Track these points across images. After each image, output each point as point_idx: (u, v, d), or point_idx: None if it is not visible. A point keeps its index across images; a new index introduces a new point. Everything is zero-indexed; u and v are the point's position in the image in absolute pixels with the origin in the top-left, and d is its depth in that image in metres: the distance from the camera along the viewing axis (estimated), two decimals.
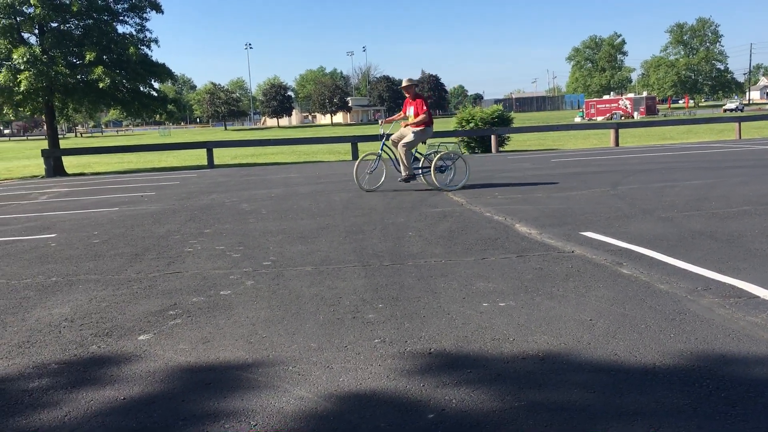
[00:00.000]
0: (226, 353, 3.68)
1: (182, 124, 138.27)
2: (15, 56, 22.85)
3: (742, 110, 75.61)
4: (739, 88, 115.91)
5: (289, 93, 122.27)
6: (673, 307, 4.17)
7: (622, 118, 75.46)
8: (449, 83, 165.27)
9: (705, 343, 3.55)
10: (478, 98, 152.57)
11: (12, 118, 30.55)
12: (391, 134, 11.63)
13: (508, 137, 27.76)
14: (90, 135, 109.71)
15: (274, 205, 10.21)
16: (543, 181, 12.02)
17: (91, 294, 5.11)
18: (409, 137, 11.26)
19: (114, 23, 26.31)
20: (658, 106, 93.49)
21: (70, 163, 30.52)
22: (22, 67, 22.76)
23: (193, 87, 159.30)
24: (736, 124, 26.64)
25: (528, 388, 3.06)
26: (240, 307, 4.59)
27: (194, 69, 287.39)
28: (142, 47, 26.25)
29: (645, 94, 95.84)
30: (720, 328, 3.77)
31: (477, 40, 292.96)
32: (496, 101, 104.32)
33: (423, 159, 11.58)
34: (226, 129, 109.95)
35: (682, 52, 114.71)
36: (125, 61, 24.90)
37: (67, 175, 24.68)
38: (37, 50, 23.41)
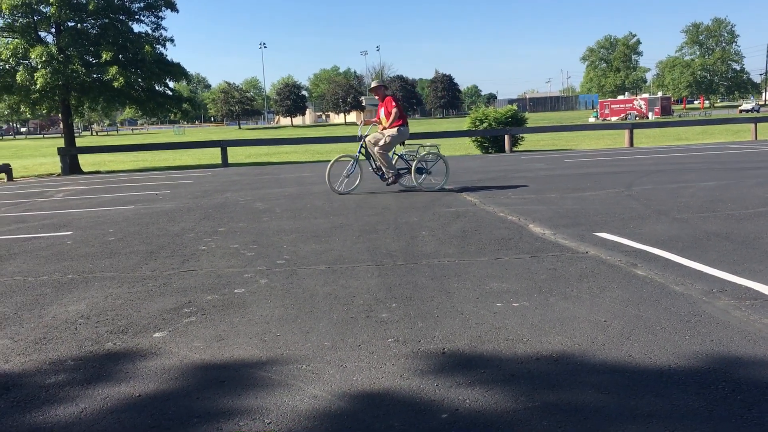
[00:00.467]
0: (241, 351, 3.70)
1: (197, 123, 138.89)
2: (32, 55, 23.04)
3: (758, 111, 74.99)
4: (756, 89, 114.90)
5: (303, 92, 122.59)
6: (688, 309, 4.15)
7: (637, 118, 75.04)
8: (463, 83, 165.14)
9: (720, 345, 3.53)
10: (491, 98, 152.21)
11: (29, 116, 30.82)
12: (368, 136, 11.41)
13: (522, 137, 27.69)
14: (105, 133, 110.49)
15: (287, 204, 10.24)
16: (557, 182, 11.97)
17: (107, 291, 5.15)
18: (385, 140, 11.11)
19: (130, 22, 26.47)
20: (673, 107, 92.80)
21: (85, 161, 30.74)
22: (39, 66, 22.95)
23: (208, 86, 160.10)
24: (752, 124, 26.43)
25: (542, 389, 3.05)
26: (254, 305, 4.61)
27: (209, 68, 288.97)
28: (157, 46, 26.40)
29: (660, 94, 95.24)
30: (736, 330, 3.74)
31: (491, 39, 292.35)
32: (510, 101, 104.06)
33: (398, 159, 11.46)
34: (240, 128, 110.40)
35: (698, 52, 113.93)
36: (141, 60, 25.04)
37: (83, 173, 24.87)
38: (54, 49, 23.59)
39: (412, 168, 11.27)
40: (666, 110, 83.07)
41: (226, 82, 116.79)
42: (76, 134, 35.31)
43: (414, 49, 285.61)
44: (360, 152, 11.47)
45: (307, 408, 2.95)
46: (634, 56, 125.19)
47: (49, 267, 6.17)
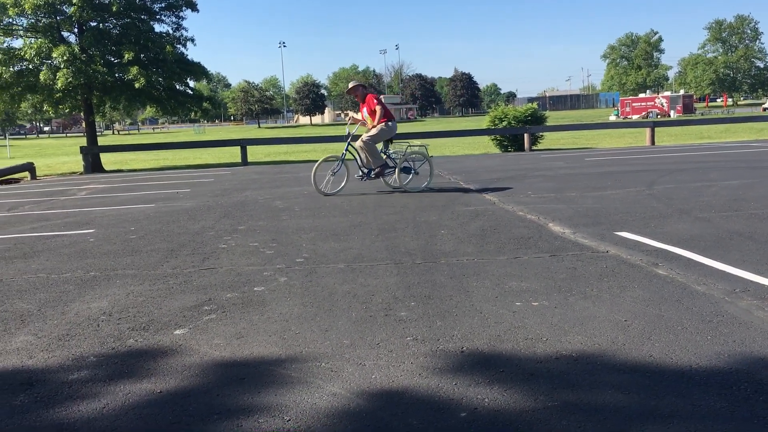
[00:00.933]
0: (260, 349, 3.73)
1: (216, 121, 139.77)
2: (55, 55, 23.31)
3: None
4: None
5: (322, 91, 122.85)
6: (710, 309, 4.11)
7: (659, 116, 74.31)
8: (482, 81, 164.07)
9: (743, 345, 3.49)
10: (511, 96, 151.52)
11: (52, 115, 31.21)
12: (357, 135, 11.22)
13: (542, 136, 27.54)
14: (127, 132, 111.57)
15: (306, 203, 10.27)
16: (577, 180, 11.90)
17: (129, 289, 5.21)
18: (372, 132, 10.94)
19: (151, 22, 26.71)
20: (696, 105, 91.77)
21: (107, 159, 31.05)
22: (62, 66, 23.22)
23: (228, 85, 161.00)
24: None
25: (561, 389, 3.04)
26: (273, 303, 4.63)
27: (229, 67, 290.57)
28: (178, 46, 26.61)
29: (682, 92, 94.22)
30: (758, 330, 3.70)
31: (511, 37, 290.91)
32: (530, 99, 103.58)
33: (386, 158, 11.22)
34: (259, 127, 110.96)
35: (721, 50, 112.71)
36: (162, 60, 25.26)
37: (104, 171, 25.13)
38: (76, 49, 23.85)
39: (397, 167, 11.08)
40: (688, 108, 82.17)
41: (246, 81, 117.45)
42: (98, 133, 35.68)
43: (433, 48, 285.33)
44: (346, 151, 11.24)
45: (326, 406, 2.96)
46: (655, 54, 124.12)
47: (72, 264, 6.25)
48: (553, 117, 45.69)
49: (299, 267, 5.72)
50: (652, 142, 25.11)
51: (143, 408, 3.02)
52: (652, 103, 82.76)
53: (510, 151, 25.78)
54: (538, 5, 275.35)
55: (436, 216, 8.26)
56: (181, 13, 27.42)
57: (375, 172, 11.01)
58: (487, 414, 2.82)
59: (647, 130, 26.00)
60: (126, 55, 23.78)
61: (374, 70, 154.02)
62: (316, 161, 11.60)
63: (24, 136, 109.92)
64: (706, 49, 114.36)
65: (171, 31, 27.38)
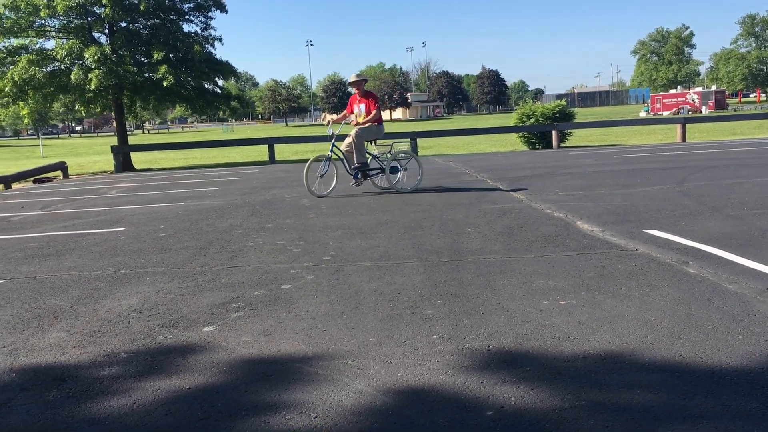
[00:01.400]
0: (287, 346, 3.75)
1: (244, 120, 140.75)
2: (86, 55, 23.67)
3: None
4: None
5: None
6: (742, 308, 4.04)
7: (690, 112, 73.20)
8: (509, 78, 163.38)
9: None
10: (539, 93, 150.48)
11: (83, 115, 31.68)
12: (341, 135, 11.09)
13: (570, 133, 27.31)
14: (156, 131, 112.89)
15: (333, 201, 10.30)
16: (606, 178, 11.78)
17: (158, 286, 5.27)
18: (363, 127, 10.82)
19: (180, 22, 26.99)
20: (728, 101, 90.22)
21: (137, 158, 31.46)
22: (93, 66, 23.57)
23: (256, 84, 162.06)
24: None
25: (589, 388, 3.02)
26: (300, 301, 4.66)
27: (257, 66, 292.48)
28: (206, 45, 26.87)
29: (714, 87, 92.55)
30: None
31: (538, 34, 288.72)
32: (558, 96, 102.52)
33: (371, 159, 11.07)
34: (287, 125, 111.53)
35: (754, 44, 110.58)
36: (190, 60, 25.52)
37: (135, 170, 25.47)
38: (107, 49, 24.19)
39: (386, 167, 10.93)
40: (720, 104, 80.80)
41: (274, 80, 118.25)
42: (128, 132, 36.15)
43: (460, 45, 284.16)
44: (332, 152, 10.98)
45: (353, 403, 2.98)
46: (687, 49, 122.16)
47: (103, 262, 6.35)
48: (581, 114, 45.25)
49: (326, 265, 5.74)
50: (683, 139, 24.75)
51: (172, 404, 3.06)
52: (683, 99, 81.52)
53: (538, 149, 25.61)
54: (567, 1, 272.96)
55: (463, 214, 8.24)
56: (209, 14, 27.69)
57: (354, 167, 10.86)
58: (513, 413, 2.81)
59: (678, 127, 25.63)
60: (155, 55, 24.07)
61: (401, 68, 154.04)
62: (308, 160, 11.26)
63: (56, 136, 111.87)
64: (738, 43, 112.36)
65: (199, 31, 27.67)
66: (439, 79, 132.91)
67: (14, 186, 19.76)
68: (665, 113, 75.24)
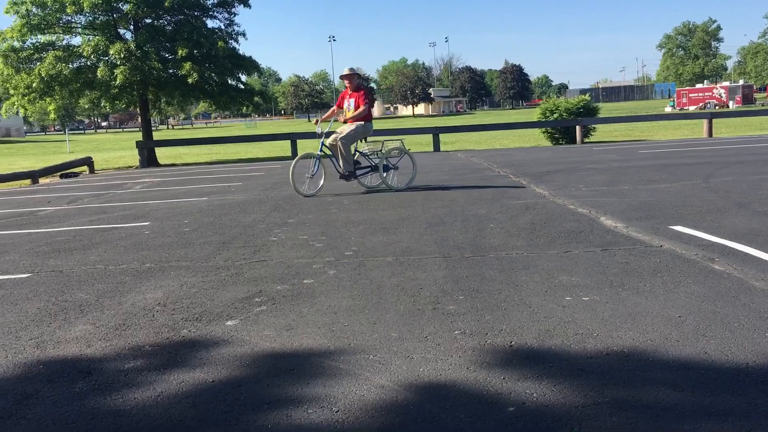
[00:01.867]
0: (309, 340, 3.77)
1: (267, 116, 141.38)
2: (111, 52, 23.90)
3: None
4: None
5: (371, 84, 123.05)
6: None
7: (717, 107, 72.16)
8: (533, 73, 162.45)
9: None
10: (562, 88, 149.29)
11: (109, 110, 32.02)
12: (330, 132, 10.78)
13: (594, 128, 27.06)
14: (181, 127, 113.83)
15: (355, 196, 10.32)
16: (630, 173, 11.66)
17: (182, 280, 5.32)
18: (349, 129, 10.49)
19: (204, 18, 27.14)
20: (756, 95, 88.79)
21: (162, 154, 31.73)
22: (118, 62, 23.79)
23: (278, 79, 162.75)
24: None
25: (612, 385, 3.00)
26: (322, 295, 4.68)
27: (279, 62, 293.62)
28: (230, 41, 26.98)
29: (741, 82, 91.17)
30: None
31: (562, 28, 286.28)
32: (582, 91, 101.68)
33: (360, 157, 10.78)
34: (309, 120, 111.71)
35: None
36: (214, 55, 25.65)
37: (159, 165, 25.69)
38: (132, 45, 24.41)
39: (379, 166, 10.72)
40: (748, 99, 79.56)
41: (296, 76, 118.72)
42: (153, 128, 36.50)
43: (483, 40, 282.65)
44: (322, 150, 10.71)
45: (374, 398, 2.99)
46: (713, 43, 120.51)
47: (128, 256, 6.42)
48: (606, 109, 44.84)
49: (348, 260, 5.76)
50: (710, 134, 24.42)
51: (196, 396, 3.09)
52: (710, 93, 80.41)
53: (561, 144, 25.42)
54: None
55: (485, 209, 8.21)
56: (233, 9, 27.79)
57: (342, 176, 10.61)
58: (535, 409, 2.80)
59: (704, 122, 25.30)
60: (180, 51, 24.22)
61: (423, 63, 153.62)
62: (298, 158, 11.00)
63: (83, 132, 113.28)
64: (767, 37, 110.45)
65: (223, 27, 27.79)
66: (461, 74, 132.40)
67: (42, 181, 20.05)
68: (691, 108, 74.29)
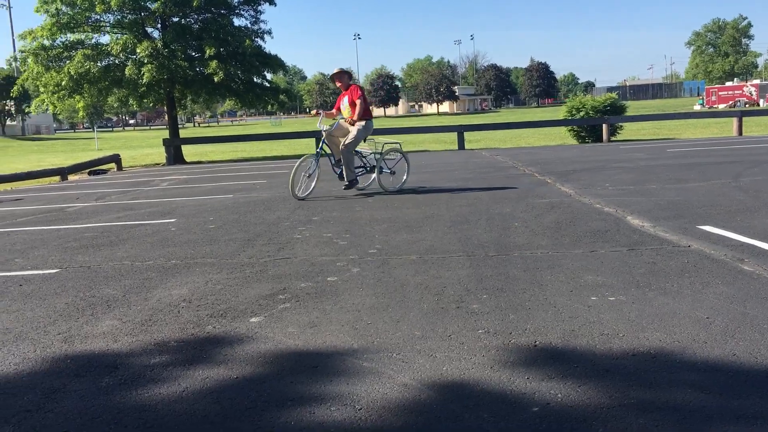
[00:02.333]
0: (333, 338, 3.78)
1: (292, 113, 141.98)
2: (139, 50, 24.15)
3: None
4: None
5: (396, 83, 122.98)
6: None
7: (747, 105, 70.98)
8: (559, 71, 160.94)
9: None
10: (589, 86, 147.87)
11: (136, 108, 32.37)
12: (330, 129, 10.41)
13: (621, 126, 26.78)
14: (207, 125, 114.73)
15: (380, 194, 10.32)
16: (658, 172, 11.52)
17: (207, 277, 5.36)
18: (351, 136, 10.11)
19: (230, 16, 27.31)
20: None
21: (188, 151, 32.01)
22: (146, 61, 24.03)
23: (304, 77, 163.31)
24: None
25: (638, 386, 2.96)
26: (346, 293, 4.68)
27: (305, 60, 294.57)
28: (256, 39, 27.12)
29: None
30: None
31: (589, 25, 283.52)
32: (609, 89, 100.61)
33: (356, 156, 10.47)
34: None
35: None
36: (240, 54, 25.80)
37: (185, 163, 25.92)
38: (159, 44, 24.65)
39: (376, 167, 10.45)
40: None
41: (321, 74, 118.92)
42: (179, 126, 36.82)
43: (509, 37, 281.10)
44: (321, 149, 10.43)
45: (397, 396, 2.98)
46: (744, 40, 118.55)
47: (155, 252, 6.48)
48: (633, 107, 44.32)
49: (372, 258, 5.76)
50: (740, 133, 24.04)
51: (220, 393, 3.11)
52: (740, 91, 79.12)
53: (587, 142, 25.19)
54: None
55: (510, 208, 8.16)
56: (259, 7, 27.94)
57: (345, 186, 10.34)
58: (560, 409, 2.77)
59: (734, 120, 24.92)
60: (207, 50, 24.41)
61: (448, 61, 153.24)
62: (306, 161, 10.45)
63: (111, 129, 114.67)
64: None
65: (249, 25, 27.94)
66: (487, 72, 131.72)
67: (70, 178, 20.34)
68: (721, 106, 73.16)
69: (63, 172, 20.23)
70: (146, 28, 26.45)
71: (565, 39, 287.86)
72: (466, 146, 24.92)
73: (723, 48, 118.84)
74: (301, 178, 10.24)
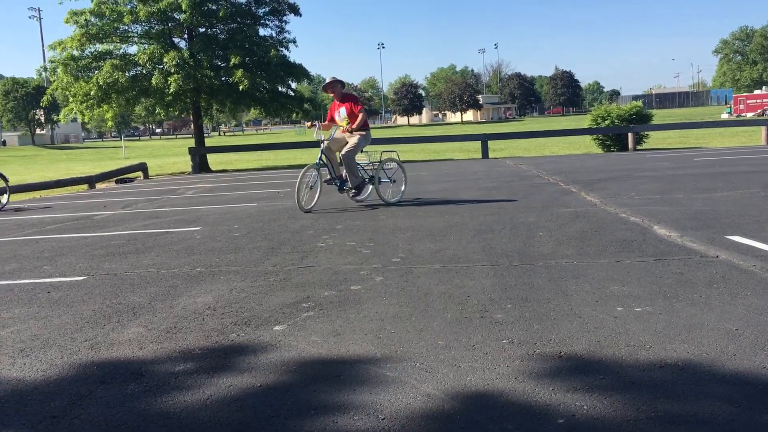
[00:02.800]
0: (356, 347, 3.77)
1: (316, 122, 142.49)
2: (166, 60, 24.45)
3: None
4: None
5: (420, 91, 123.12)
6: None
7: None
8: (584, 79, 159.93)
9: None
10: (614, 94, 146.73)
11: (163, 117, 32.73)
12: (329, 141, 10.06)
13: (647, 135, 26.52)
14: (232, 134, 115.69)
15: (402, 204, 10.31)
16: (684, 181, 11.38)
17: (232, 284, 5.39)
18: (352, 143, 9.87)
19: (256, 26, 27.56)
20: None
21: (213, 160, 32.29)
22: (172, 71, 24.32)
23: None
24: None
25: (665, 399, 2.91)
26: (369, 302, 4.68)
27: (329, 69, 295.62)
28: (281, 49, 27.33)
29: None
30: None
31: (615, 33, 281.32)
32: (635, 97, 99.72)
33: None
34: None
35: None
36: (266, 63, 26.01)
37: (211, 171, 26.15)
38: (186, 54, 24.93)
39: (375, 178, 10.18)
40: None
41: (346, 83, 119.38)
42: (205, 135, 37.16)
43: (533, 46, 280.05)
44: (320, 160, 9.98)
45: (421, 406, 2.96)
46: None
47: (180, 260, 6.54)
48: (659, 115, 43.88)
49: (395, 267, 5.75)
50: None
51: (244, 401, 3.12)
52: None
53: (613, 151, 24.99)
54: None
55: (534, 217, 8.11)
56: (284, 18, 28.17)
57: (353, 192, 10.16)
58: (585, 421, 2.74)
59: (763, 129, 24.57)
60: (232, 60, 24.63)
61: (472, 70, 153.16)
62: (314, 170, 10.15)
63: (138, 138, 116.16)
64: None
65: (274, 35, 28.17)
66: (511, 80, 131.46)
67: (98, 186, 20.62)
68: (749, 115, 72.17)
69: (91, 181, 20.53)
70: (173, 39, 26.79)
71: (590, 47, 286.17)
72: (490, 155, 24.85)
73: (751, 56, 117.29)
74: (306, 191, 9.99)
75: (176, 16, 25.85)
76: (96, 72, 25.51)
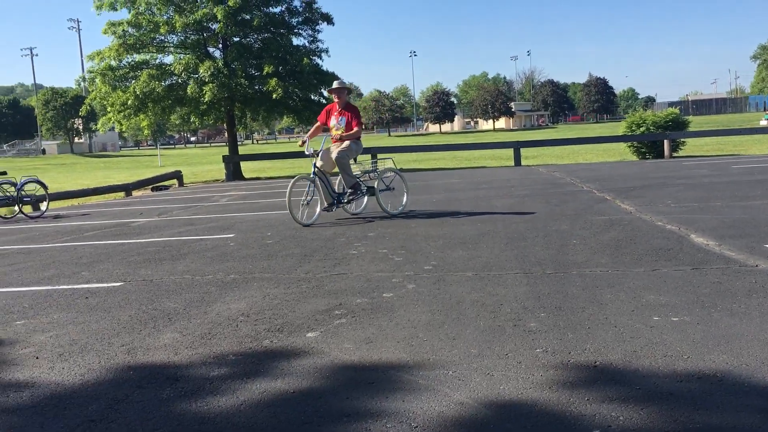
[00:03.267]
0: (388, 354, 3.77)
1: None
2: (201, 70, 24.82)
3: None
4: None
5: (452, 99, 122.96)
6: None
7: None
8: (618, 86, 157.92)
9: None
10: (649, 101, 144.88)
11: (197, 126, 33.19)
12: (321, 151, 9.73)
13: (683, 142, 26.13)
14: (265, 141, 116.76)
15: (434, 210, 10.30)
16: (722, 189, 11.18)
17: (265, 291, 5.43)
18: (345, 146, 9.63)
19: (290, 36, 27.85)
20: None
21: (247, 167, 32.62)
22: (207, 80, 24.67)
23: (360, 94, 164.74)
24: None
25: (703, 410, 2.86)
26: (401, 309, 4.68)
27: (361, 77, 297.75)
28: (313, 57, 27.57)
29: None
30: None
31: (650, 39, 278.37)
32: (671, 104, 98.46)
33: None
34: (389, 135, 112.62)
35: None
36: (299, 72, 26.25)
37: (244, 179, 26.41)
38: (220, 63, 25.27)
39: (375, 188, 9.79)
40: None
41: (377, 91, 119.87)
42: (238, 143, 37.59)
43: (566, 53, 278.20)
44: (315, 173, 9.55)
45: (453, 414, 2.95)
46: None
47: (214, 267, 6.61)
48: (696, 122, 43.21)
49: (427, 274, 5.74)
50: None
51: (277, 406, 3.14)
52: None
53: (648, 159, 24.66)
54: (679, 4, 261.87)
55: (568, 225, 8.03)
56: (317, 27, 28.42)
57: (349, 192, 9.72)
58: None
59: None
60: (266, 68, 24.92)
61: (505, 77, 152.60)
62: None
63: (173, 146, 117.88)
64: None
65: (307, 44, 28.43)
66: (543, 87, 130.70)
67: (134, 193, 20.97)
68: None
69: (127, 188, 20.89)
70: (208, 48, 27.18)
71: (624, 54, 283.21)
72: (523, 162, 24.69)
73: None
74: (300, 205, 9.39)
75: (211, 26, 26.25)
76: (133, 81, 26.00)
